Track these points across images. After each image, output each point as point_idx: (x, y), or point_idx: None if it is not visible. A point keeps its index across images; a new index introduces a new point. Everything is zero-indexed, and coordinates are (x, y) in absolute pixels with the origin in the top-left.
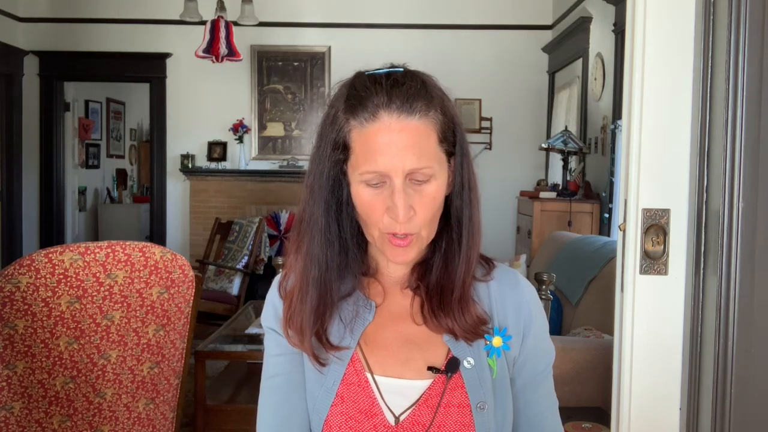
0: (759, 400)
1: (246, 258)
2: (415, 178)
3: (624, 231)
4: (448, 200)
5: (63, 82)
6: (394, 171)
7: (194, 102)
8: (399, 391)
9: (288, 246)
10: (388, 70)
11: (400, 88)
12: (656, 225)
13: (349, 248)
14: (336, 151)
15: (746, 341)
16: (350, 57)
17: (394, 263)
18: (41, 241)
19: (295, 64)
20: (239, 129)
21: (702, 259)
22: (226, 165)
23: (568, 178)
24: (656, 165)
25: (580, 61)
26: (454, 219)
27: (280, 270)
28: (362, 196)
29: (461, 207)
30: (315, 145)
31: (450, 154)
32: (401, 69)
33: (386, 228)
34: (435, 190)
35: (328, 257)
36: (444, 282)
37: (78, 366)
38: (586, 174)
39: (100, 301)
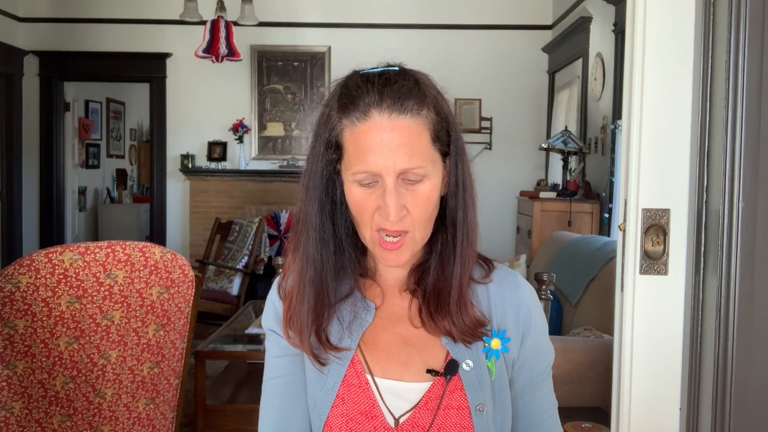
0: (759, 400)
1: (246, 258)
2: (408, 178)
3: (624, 231)
4: (443, 201)
5: (63, 82)
6: (386, 170)
7: (194, 102)
8: (399, 393)
9: (287, 246)
10: (382, 69)
11: (391, 86)
12: (656, 225)
13: (344, 248)
14: (329, 151)
15: (746, 341)
16: (350, 57)
17: (387, 266)
18: (41, 241)
19: (295, 64)
20: (239, 129)
21: (702, 259)
22: (226, 165)
23: (568, 178)
24: (656, 165)
25: (580, 61)
26: (449, 220)
27: (280, 271)
28: (354, 195)
29: (456, 207)
30: (310, 145)
31: (445, 154)
32: (396, 68)
33: (377, 224)
34: (428, 190)
35: (324, 257)
36: (441, 284)
37: (78, 366)
38: (586, 174)
39: (100, 301)
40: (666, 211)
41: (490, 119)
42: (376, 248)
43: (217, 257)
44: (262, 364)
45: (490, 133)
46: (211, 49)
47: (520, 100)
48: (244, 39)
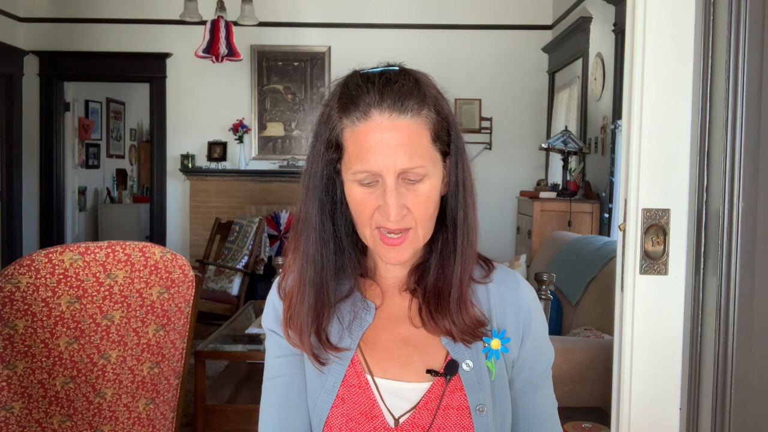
0: (759, 400)
1: (246, 258)
2: (408, 178)
3: (624, 231)
4: (443, 200)
5: (63, 82)
6: (386, 170)
7: (194, 102)
8: (399, 393)
9: (287, 246)
10: (382, 69)
11: (392, 86)
12: (656, 225)
13: (344, 248)
14: (329, 150)
15: (746, 341)
16: (350, 57)
17: (389, 264)
18: (41, 241)
19: (295, 64)
20: (239, 129)
21: (702, 259)
22: (226, 165)
23: (568, 178)
24: (656, 165)
25: (580, 61)
26: (450, 219)
27: (280, 271)
28: (355, 195)
29: (456, 207)
30: (310, 144)
31: (445, 154)
32: (396, 68)
33: (377, 223)
34: (429, 190)
35: (324, 256)
36: (441, 284)
37: (78, 366)
38: (586, 174)
39: (100, 301)
40: (666, 211)
41: (490, 119)
42: (377, 245)
43: (217, 257)
44: (262, 364)
45: (490, 133)
46: (211, 49)
47: (520, 100)
48: (244, 39)
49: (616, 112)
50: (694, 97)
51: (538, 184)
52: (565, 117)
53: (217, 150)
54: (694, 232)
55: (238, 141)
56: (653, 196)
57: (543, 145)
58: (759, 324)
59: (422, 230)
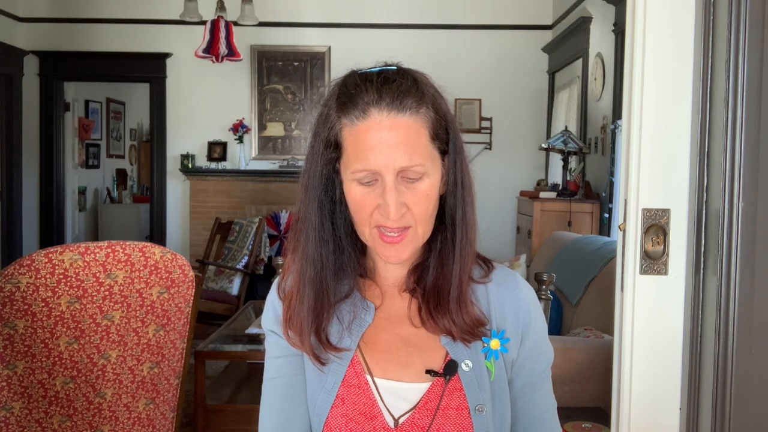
0: (759, 400)
1: (246, 258)
2: (407, 176)
3: (624, 231)
4: (442, 199)
5: (63, 82)
6: (385, 169)
7: (194, 102)
8: (398, 393)
9: (287, 246)
10: (380, 68)
11: (390, 85)
12: (656, 225)
13: (344, 248)
14: (328, 150)
15: (746, 341)
16: (350, 57)
17: (388, 262)
18: (41, 241)
19: (295, 64)
20: (239, 129)
21: (702, 259)
22: (226, 165)
23: (568, 178)
24: (656, 165)
25: (580, 61)
26: (448, 218)
27: (280, 271)
28: (354, 194)
29: (455, 206)
30: (309, 144)
31: (443, 152)
32: (394, 67)
33: (376, 222)
34: (428, 188)
35: (323, 256)
36: (440, 282)
37: (78, 366)
38: (586, 174)
39: (100, 301)
40: (666, 211)
41: (490, 119)
42: (376, 244)
43: (217, 257)
44: (262, 364)
45: (490, 133)
46: (211, 49)
47: (520, 100)
48: (244, 39)
49: (616, 112)
50: (694, 97)
51: (538, 184)
52: (565, 117)
53: (217, 150)
54: (694, 232)
55: (238, 141)
56: (653, 196)
57: (543, 145)
58: (759, 324)
59: (422, 229)
